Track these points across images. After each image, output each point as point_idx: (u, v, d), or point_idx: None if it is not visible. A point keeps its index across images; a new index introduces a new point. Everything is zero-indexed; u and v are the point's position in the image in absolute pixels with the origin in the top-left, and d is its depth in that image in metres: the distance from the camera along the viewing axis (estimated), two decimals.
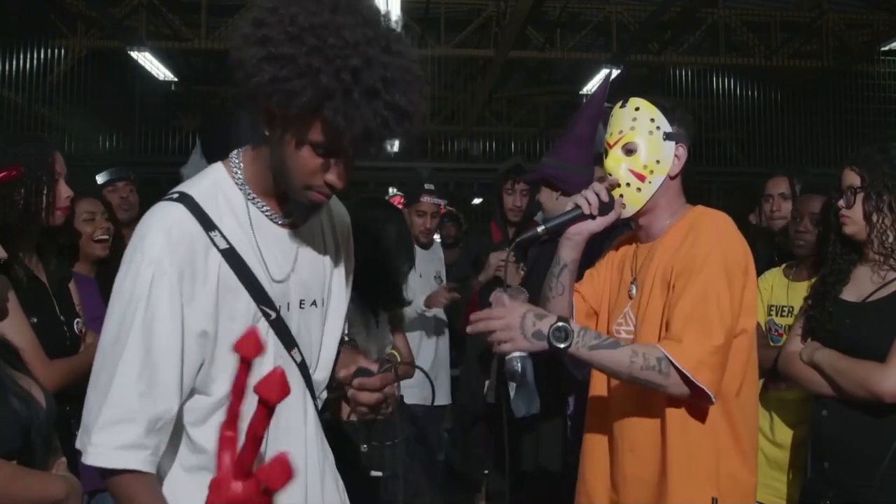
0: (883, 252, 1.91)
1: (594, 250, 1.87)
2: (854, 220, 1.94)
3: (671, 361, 1.46)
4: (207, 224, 1.24)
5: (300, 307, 1.37)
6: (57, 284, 2.10)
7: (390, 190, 9.90)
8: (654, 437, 1.60)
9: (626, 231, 2.03)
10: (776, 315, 2.45)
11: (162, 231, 1.21)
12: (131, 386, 1.17)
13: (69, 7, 8.36)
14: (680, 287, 1.55)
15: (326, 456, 1.48)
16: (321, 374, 1.46)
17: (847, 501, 1.82)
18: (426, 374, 2.55)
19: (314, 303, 1.41)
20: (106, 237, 2.57)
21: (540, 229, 1.65)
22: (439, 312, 3.45)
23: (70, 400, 2.12)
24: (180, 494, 1.25)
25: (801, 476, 2.15)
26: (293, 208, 1.34)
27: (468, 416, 3.30)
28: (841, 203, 1.96)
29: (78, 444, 1.20)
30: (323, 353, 1.46)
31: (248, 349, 0.75)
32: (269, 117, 1.21)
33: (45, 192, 2.00)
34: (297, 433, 1.37)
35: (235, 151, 1.35)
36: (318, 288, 1.43)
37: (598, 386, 1.75)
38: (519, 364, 2.02)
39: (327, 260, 1.45)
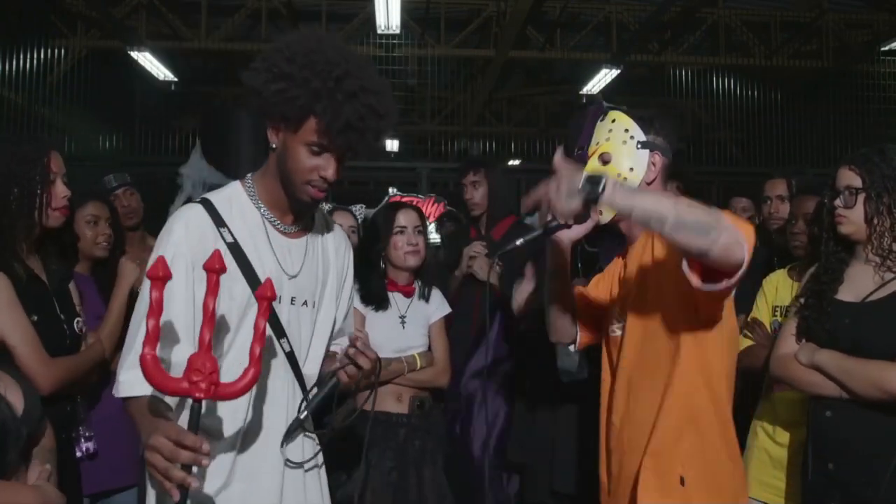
0: (880, 254, 1.90)
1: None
2: (852, 220, 1.92)
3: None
4: (219, 222, 1.57)
5: (291, 303, 1.63)
6: (57, 284, 2.09)
7: (390, 190, 9.88)
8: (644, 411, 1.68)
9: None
10: (780, 316, 2.42)
11: (182, 223, 1.54)
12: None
13: (69, 7, 8.37)
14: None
15: (313, 450, 1.68)
16: (310, 369, 1.68)
17: (854, 502, 1.81)
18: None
19: (305, 303, 1.66)
20: (105, 244, 2.57)
21: (519, 242, 1.69)
22: None
23: (71, 399, 2.12)
24: None
25: (799, 476, 2.15)
26: (297, 217, 1.65)
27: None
28: (838, 202, 1.95)
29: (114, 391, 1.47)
30: (312, 349, 1.68)
31: (263, 290, 1.28)
32: (275, 130, 1.55)
33: (38, 191, 1.98)
34: (279, 418, 1.60)
35: (249, 174, 1.67)
36: (311, 291, 1.67)
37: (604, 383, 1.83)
38: None
39: (323, 269, 1.71)
